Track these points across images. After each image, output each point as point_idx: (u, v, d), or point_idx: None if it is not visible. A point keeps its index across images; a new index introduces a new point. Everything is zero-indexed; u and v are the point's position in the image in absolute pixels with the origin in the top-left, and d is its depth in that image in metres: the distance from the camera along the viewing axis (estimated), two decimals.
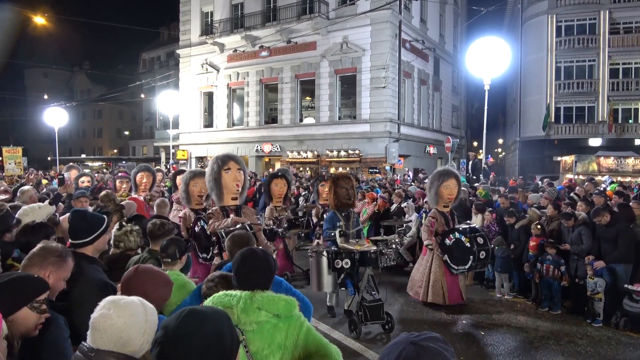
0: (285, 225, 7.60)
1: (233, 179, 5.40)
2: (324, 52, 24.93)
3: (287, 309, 2.24)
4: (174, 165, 25.69)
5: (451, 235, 6.96)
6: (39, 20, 23.13)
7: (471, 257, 6.68)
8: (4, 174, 17.57)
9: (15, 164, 17.31)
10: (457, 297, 7.08)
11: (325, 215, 8.16)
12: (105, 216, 3.33)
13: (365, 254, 5.76)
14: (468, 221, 8.23)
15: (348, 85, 25.43)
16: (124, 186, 8.01)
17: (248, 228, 4.24)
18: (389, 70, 23.10)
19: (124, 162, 42.35)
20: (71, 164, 12.23)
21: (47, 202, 5.62)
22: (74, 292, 2.65)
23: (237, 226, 4.67)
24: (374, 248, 5.86)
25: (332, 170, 24.33)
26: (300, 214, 8.93)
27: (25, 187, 7.13)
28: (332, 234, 6.23)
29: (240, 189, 5.50)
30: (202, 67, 29.46)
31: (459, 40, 34.50)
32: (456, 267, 6.85)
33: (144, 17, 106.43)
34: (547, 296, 7.20)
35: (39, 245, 2.53)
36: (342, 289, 6.22)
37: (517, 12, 34.06)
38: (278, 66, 26.63)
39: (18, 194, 6.79)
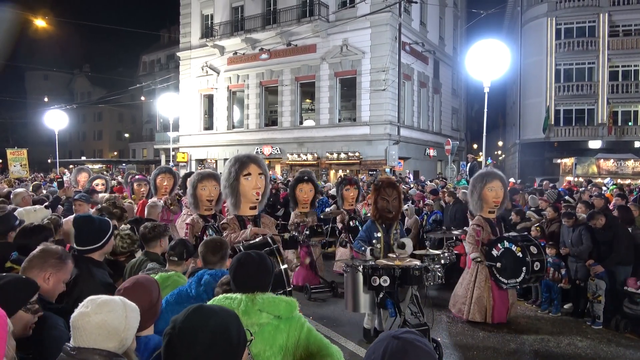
0: (307, 232, 7.07)
1: (253, 187, 4.66)
2: (324, 55, 24.98)
3: (288, 310, 2.24)
4: (174, 168, 25.70)
5: (499, 245, 6.22)
6: (40, 22, 23.18)
7: (524, 268, 5.91)
8: (8, 176, 17.54)
9: (21, 166, 17.29)
10: (503, 316, 6.35)
11: (351, 223, 7.82)
12: (110, 220, 3.35)
13: (408, 270, 4.90)
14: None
15: (348, 88, 25.47)
16: (142, 189, 7.58)
17: (270, 241, 3.81)
18: (389, 72, 23.14)
19: (124, 164, 42.42)
20: (81, 166, 11.87)
21: (42, 205, 5.62)
22: (83, 295, 2.65)
23: (257, 239, 4.17)
24: (417, 263, 5.03)
25: (336, 172, 24.35)
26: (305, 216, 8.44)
27: (19, 190, 7.09)
28: (363, 249, 5.56)
29: (260, 197, 4.78)
30: (202, 69, 29.51)
31: (458, 43, 34.56)
32: (506, 281, 6.11)
33: (144, 19, 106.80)
34: (547, 298, 7.20)
35: (38, 248, 2.54)
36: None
37: (517, 14, 34.14)
38: (278, 69, 26.67)
39: (12, 196, 6.76)
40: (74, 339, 1.71)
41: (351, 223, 7.76)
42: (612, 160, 22.52)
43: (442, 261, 5.21)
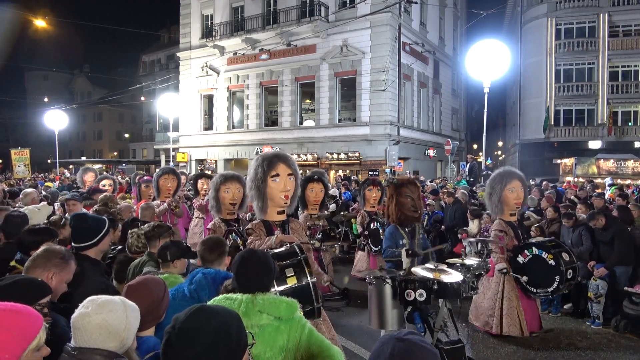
0: (319, 236, 6.56)
1: (281, 189, 4.17)
2: (324, 55, 24.99)
3: (289, 311, 2.24)
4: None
5: (526, 252, 5.76)
6: (40, 22, 23.18)
7: (557, 277, 5.47)
8: (12, 176, 17.56)
9: (24, 166, 17.31)
10: (536, 326, 5.95)
11: (372, 225, 7.46)
12: (106, 218, 3.36)
13: (446, 284, 4.37)
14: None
15: (348, 88, 25.48)
16: (151, 191, 7.28)
17: (298, 250, 3.46)
18: (389, 73, 23.15)
19: (124, 164, 42.40)
20: (87, 166, 11.62)
21: (44, 202, 5.64)
22: (76, 293, 2.67)
23: (284, 247, 3.74)
24: (459, 277, 4.42)
25: (336, 172, 24.34)
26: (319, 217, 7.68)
27: (28, 190, 7.13)
28: (397, 253, 5.03)
29: (289, 201, 4.30)
30: (202, 69, 29.52)
31: (458, 43, 34.58)
32: (535, 290, 5.67)
33: (145, 19, 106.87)
34: (546, 298, 7.20)
35: (42, 247, 2.57)
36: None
37: (517, 15, 34.17)
38: (278, 69, 26.69)
39: (21, 195, 6.80)
40: (74, 339, 1.72)
41: (372, 225, 7.44)
42: (612, 161, 22.55)
43: (477, 272, 4.71)
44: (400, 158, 23.82)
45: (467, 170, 16.67)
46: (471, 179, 15.42)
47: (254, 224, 4.31)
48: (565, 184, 17.23)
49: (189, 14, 30.90)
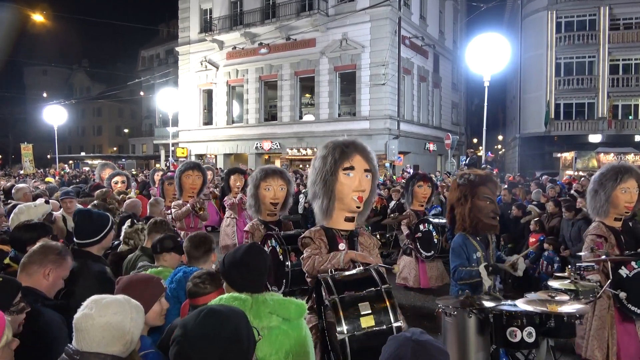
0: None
1: (355, 187, 3.07)
2: (323, 49, 24.90)
3: (298, 312, 2.21)
4: (174, 164, 25.68)
5: (634, 263, 4.44)
6: (38, 18, 23.06)
7: None
8: (22, 172, 17.58)
9: (29, 162, 17.38)
10: (631, 356, 4.50)
11: (421, 227, 6.45)
12: (110, 216, 3.34)
13: (562, 319, 3.22)
14: None
15: (347, 82, 25.42)
16: (175, 190, 6.69)
17: (377, 277, 2.56)
18: (389, 67, 23.07)
19: (123, 159, 42.38)
20: (105, 162, 11.35)
21: (42, 200, 5.61)
22: (79, 289, 2.66)
23: (356, 270, 2.78)
24: (575, 307, 3.24)
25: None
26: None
27: (20, 185, 7.06)
28: (474, 272, 3.89)
29: (362, 206, 3.14)
30: (202, 64, 29.44)
31: (458, 36, 34.45)
32: (637, 310, 4.36)
33: (143, 14, 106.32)
34: None
35: (39, 244, 2.56)
36: None
37: (517, 8, 34.01)
38: (277, 63, 26.60)
39: (13, 191, 6.71)
40: (76, 341, 1.66)
41: (421, 227, 6.55)
42: (612, 154, 22.51)
43: (590, 296, 3.74)
44: (400, 152, 23.81)
45: (466, 164, 16.64)
46: None
47: (313, 232, 3.15)
48: (565, 178, 17.22)
49: (188, 8, 30.77)
